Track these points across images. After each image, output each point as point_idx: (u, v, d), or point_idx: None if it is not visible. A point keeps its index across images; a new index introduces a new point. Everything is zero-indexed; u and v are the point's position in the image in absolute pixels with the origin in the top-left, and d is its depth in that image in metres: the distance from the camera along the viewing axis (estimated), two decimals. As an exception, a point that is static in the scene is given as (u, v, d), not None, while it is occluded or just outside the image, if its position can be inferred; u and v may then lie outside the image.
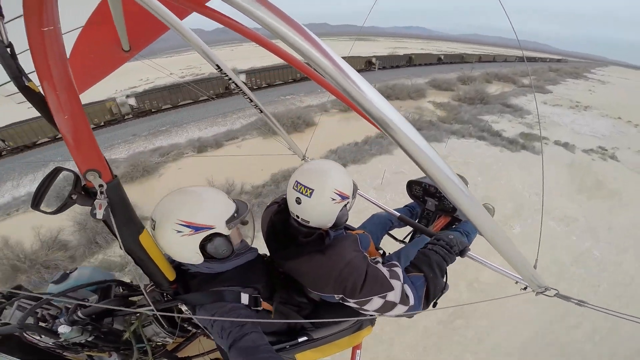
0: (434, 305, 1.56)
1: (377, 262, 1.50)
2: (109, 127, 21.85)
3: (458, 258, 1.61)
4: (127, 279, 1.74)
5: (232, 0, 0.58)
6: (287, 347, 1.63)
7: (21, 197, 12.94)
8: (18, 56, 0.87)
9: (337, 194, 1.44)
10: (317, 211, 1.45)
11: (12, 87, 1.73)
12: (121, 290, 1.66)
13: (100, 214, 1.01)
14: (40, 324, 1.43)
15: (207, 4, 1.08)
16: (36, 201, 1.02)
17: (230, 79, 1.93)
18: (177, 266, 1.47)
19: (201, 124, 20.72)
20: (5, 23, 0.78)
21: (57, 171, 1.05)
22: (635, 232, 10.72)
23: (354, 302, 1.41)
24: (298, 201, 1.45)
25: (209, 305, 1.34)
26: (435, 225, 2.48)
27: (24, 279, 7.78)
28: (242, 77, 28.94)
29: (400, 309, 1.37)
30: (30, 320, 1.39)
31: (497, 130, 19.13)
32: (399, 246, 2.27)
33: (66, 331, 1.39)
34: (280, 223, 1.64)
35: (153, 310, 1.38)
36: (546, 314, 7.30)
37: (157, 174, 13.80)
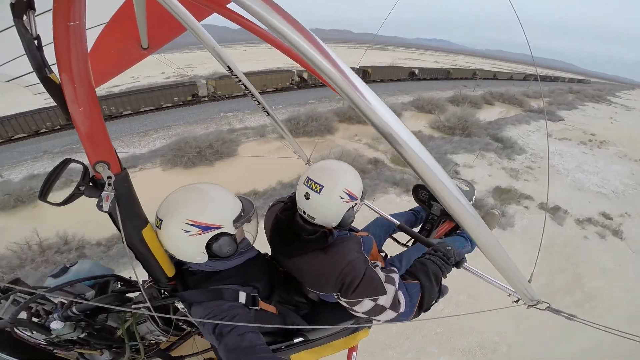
0: (427, 310, 1.56)
1: (377, 266, 1.52)
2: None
3: (454, 269, 1.63)
4: (126, 275, 1.73)
5: (244, 3, 0.59)
6: (283, 347, 1.64)
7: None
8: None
9: (347, 193, 1.47)
10: (324, 208, 1.48)
11: (30, 78, 1.79)
12: (119, 286, 1.65)
13: (106, 206, 1.01)
14: (34, 319, 1.38)
15: (228, 6, 1.11)
16: (43, 193, 1.02)
17: (239, 80, 1.96)
18: (177, 262, 1.47)
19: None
20: (35, 16, 0.81)
21: (66, 162, 1.05)
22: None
23: (345, 302, 1.43)
24: (307, 196, 1.48)
25: (207, 303, 1.33)
26: (440, 230, 2.50)
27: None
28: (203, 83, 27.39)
29: (389, 314, 1.38)
30: (23, 315, 1.35)
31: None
32: (401, 249, 2.29)
33: (58, 327, 1.36)
34: (286, 220, 1.66)
35: (149, 308, 1.35)
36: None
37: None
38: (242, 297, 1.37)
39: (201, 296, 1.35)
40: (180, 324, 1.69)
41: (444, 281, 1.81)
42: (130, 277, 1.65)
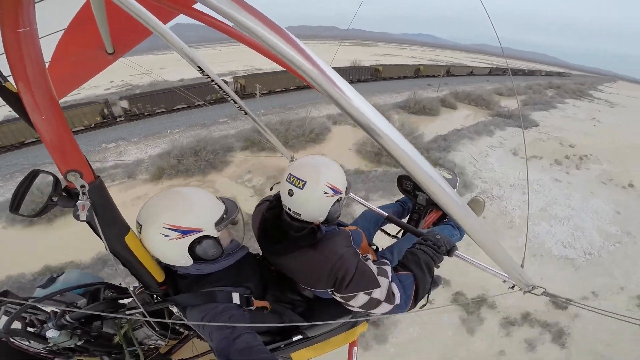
0: (427, 302, 1.58)
1: (368, 259, 1.51)
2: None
3: (446, 257, 1.62)
4: (116, 282, 1.71)
5: (211, 3, 0.56)
6: (282, 346, 1.63)
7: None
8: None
9: (330, 187, 1.46)
10: (308, 204, 1.47)
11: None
12: (110, 293, 1.63)
13: (83, 215, 0.99)
14: (29, 329, 1.41)
15: (194, 6, 1.06)
16: (14, 205, 0.99)
17: (212, 80, 1.89)
18: (167, 267, 1.45)
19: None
20: None
21: (34, 174, 1.02)
22: None
23: (340, 297, 1.43)
24: (290, 193, 1.47)
25: (201, 306, 1.32)
26: (428, 219, 2.49)
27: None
28: (124, 103, 24.02)
29: (385, 307, 1.38)
30: (17, 326, 1.36)
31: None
32: (392, 241, 2.28)
33: (54, 335, 1.37)
34: (273, 219, 1.64)
35: (143, 313, 1.35)
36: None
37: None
38: (236, 298, 1.36)
39: (194, 299, 1.34)
40: (177, 327, 1.69)
41: (437, 271, 1.82)
42: (120, 284, 1.64)
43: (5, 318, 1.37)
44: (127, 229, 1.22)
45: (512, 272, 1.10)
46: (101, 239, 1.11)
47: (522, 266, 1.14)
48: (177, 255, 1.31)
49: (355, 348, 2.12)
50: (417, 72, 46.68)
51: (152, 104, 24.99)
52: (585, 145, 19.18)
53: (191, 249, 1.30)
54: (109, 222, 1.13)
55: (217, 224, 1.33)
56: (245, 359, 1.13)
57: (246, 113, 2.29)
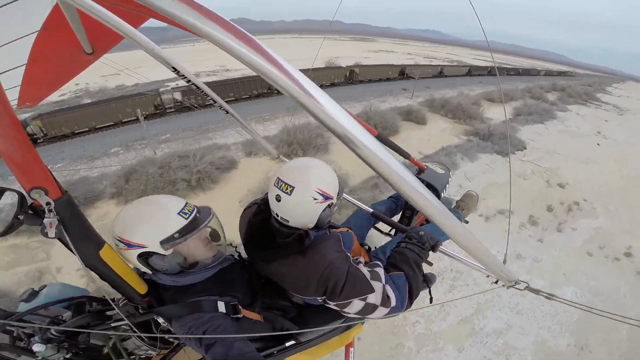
0: (430, 301, 1.58)
1: (359, 263, 1.49)
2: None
3: (431, 253, 1.61)
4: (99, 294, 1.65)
5: (151, 2, 0.52)
6: (275, 352, 1.61)
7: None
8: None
9: (320, 193, 1.39)
10: (297, 210, 1.41)
11: None
12: (95, 306, 1.61)
13: (52, 232, 0.97)
14: (17, 343, 1.39)
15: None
16: None
17: (189, 81, 1.84)
18: (150, 278, 1.43)
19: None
20: None
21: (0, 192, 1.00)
22: None
23: (335, 305, 1.39)
24: (278, 199, 1.40)
25: (186, 317, 1.30)
26: (421, 216, 2.49)
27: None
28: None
29: (382, 311, 1.35)
30: (5, 340, 1.35)
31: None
32: (386, 239, 2.27)
33: (41, 349, 1.37)
34: (260, 224, 1.59)
35: (129, 325, 1.34)
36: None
37: None
38: (221, 307, 1.34)
39: (179, 310, 1.32)
40: (166, 337, 1.67)
41: (431, 269, 1.80)
42: (103, 296, 1.61)
43: None
44: (102, 243, 1.21)
45: (495, 269, 1.10)
46: (74, 253, 1.08)
47: (504, 262, 1.15)
48: (135, 264, 1.31)
49: (351, 349, 2.10)
50: (403, 75, 37.87)
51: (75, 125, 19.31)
52: (580, 182, 13.71)
53: (145, 261, 1.30)
54: (81, 238, 1.11)
55: (163, 242, 1.26)
56: None
57: (227, 112, 2.24)
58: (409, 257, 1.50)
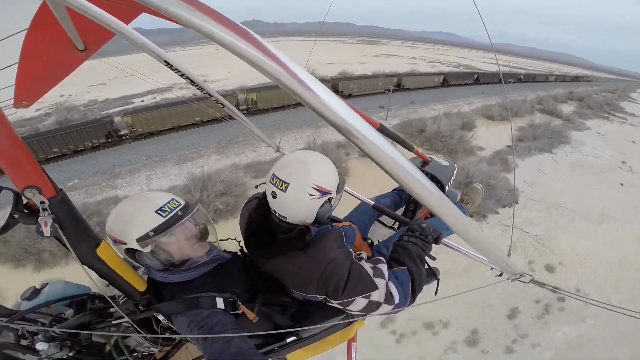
0: (435, 294, 1.57)
1: (362, 258, 1.46)
2: None
3: (434, 246, 1.60)
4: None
5: (150, 2, 0.50)
6: (276, 348, 1.60)
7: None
8: None
9: (316, 189, 1.33)
10: (293, 207, 1.36)
11: None
12: (96, 303, 1.62)
13: (47, 231, 0.97)
14: (22, 341, 1.40)
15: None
16: None
17: (183, 74, 1.79)
18: (149, 275, 1.43)
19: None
20: None
21: None
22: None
23: (337, 303, 1.36)
24: (274, 195, 1.36)
25: (185, 313, 1.29)
26: (424, 210, 2.45)
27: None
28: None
29: (385, 308, 1.33)
30: (10, 339, 1.37)
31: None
32: (389, 232, 2.25)
33: (44, 348, 1.38)
34: (260, 219, 1.55)
35: (129, 322, 1.36)
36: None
37: None
38: (220, 303, 1.33)
39: (177, 307, 1.31)
40: (167, 334, 1.67)
41: (435, 263, 1.76)
42: (105, 294, 1.62)
43: None
44: (99, 241, 1.21)
45: (499, 262, 1.08)
46: (71, 251, 1.08)
47: (508, 255, 1.14)
48: (125, 259, 1.34)
49: (354, 344, 2.08)
50: (399, 86, 33.31)
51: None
52: (580, 260, 8.70)
53: (133, 257, 1.30)
54: (77, 236, 1.11)
55: (139, 240, 1.24)
56: None
57: (224, 106, 2.24)
58: (411, 251, 1.48)
